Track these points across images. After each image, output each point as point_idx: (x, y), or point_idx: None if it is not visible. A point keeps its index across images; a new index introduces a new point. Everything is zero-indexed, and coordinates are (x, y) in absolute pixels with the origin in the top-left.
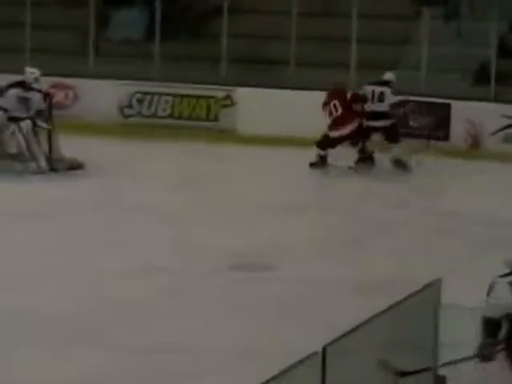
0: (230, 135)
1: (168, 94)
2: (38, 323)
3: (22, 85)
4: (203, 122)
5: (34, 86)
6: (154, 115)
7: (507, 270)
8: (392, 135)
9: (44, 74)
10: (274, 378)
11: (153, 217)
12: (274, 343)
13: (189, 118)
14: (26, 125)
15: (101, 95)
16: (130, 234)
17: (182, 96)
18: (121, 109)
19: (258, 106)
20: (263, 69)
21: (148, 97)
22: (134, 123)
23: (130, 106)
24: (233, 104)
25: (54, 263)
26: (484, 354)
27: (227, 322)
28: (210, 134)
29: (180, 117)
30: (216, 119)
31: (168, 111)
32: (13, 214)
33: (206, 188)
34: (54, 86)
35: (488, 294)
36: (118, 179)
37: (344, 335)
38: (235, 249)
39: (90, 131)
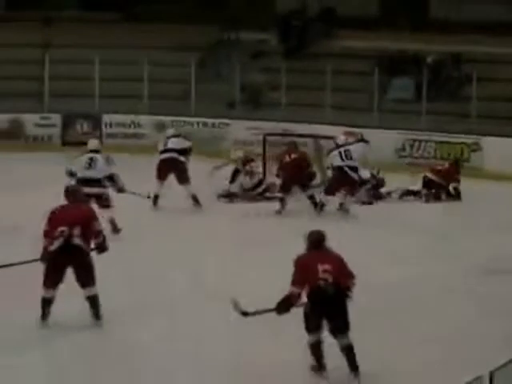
0: (478, 173)
1: (432, 141)
2: None
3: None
4: None
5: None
6: (422, 157)
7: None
8: None
9: (340, 124)
10: (505, 364)
11: (425, 233)
12: None
13: (447, 159)
14: None
15: (382, 141)
16: (403, 244)
17: (442, 142)
18: (397, 151)
19: (500, 151)
20: (503, 122)
21: (417, 143)
22: (406, 162)
23: (403, 150)
24: (480, 149)
25: None
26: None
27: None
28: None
29: (441, 158)
30: (467, 160)
31: (432, 154)
32: None
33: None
34: (347, 133)
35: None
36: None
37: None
38: (485, 260)
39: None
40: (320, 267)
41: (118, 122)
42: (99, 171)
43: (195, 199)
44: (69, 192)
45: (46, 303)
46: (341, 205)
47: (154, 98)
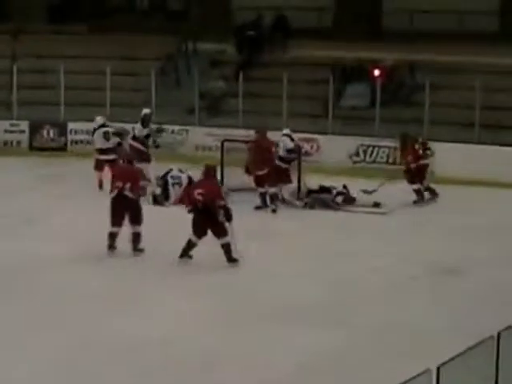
0: (430, 177)
1: (385, 147)
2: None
3: None
4: None
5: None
6: (374, 161)
7: None
8: None
9: (296, 131)
10: (453, 358)
11: (374, 234)
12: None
13: (400, 164)
14: None
15: (336, 146)
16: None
17: (395, 148)
18: (350, 156)
19: (451, 156)
20: (454, 128)
21: (370, 148)
22: (359, 167)
23: (357, 155)
24: (432, 154)
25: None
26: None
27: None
28: None
29: (394, 163)
30: None
31: (384, 158)
32: None
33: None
34: (303, 139)
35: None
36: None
37: None
38: (434, 259)
39: (327, 172)
40: (196, 191)
41: (82, 129)
42: (112, 142)
43: None
44: (125, 157)
45: (111, 236)
46: (283, 199)
47: (117, 106)
